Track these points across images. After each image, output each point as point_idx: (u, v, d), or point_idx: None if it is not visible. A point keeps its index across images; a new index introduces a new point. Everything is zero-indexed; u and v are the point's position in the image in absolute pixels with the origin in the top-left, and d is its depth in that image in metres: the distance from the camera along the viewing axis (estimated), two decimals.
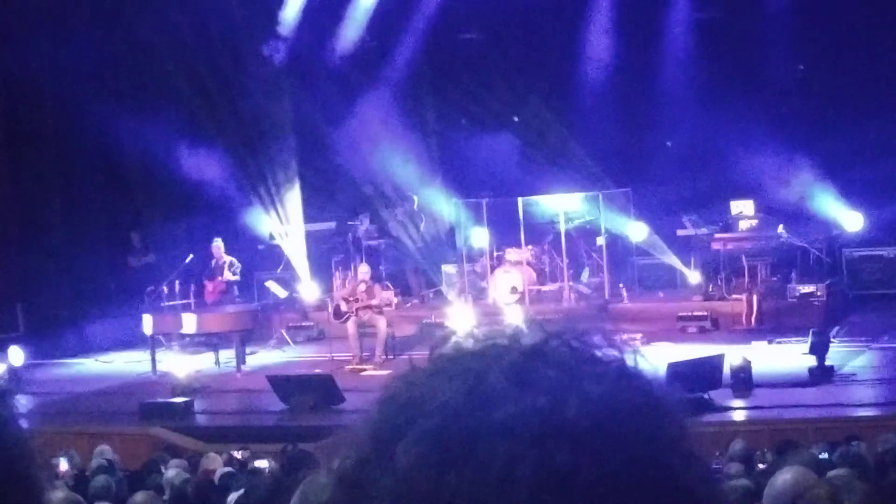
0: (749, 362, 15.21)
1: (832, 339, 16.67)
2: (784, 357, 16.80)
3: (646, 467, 1.08)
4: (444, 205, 22.67)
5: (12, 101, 21.95)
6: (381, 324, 18.51)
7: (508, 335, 1.16)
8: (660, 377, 1.16)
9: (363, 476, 1.10)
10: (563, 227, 21.21)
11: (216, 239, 20.76)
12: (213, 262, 20.66)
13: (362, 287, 18.82)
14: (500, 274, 21.20)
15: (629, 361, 1.15)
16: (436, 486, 1.05)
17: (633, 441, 1.08)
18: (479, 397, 1.08)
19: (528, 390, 1.09)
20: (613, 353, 1.15)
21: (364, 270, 19.21)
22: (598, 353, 1.15)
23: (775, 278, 20.30)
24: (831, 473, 3.86)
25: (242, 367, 18.78)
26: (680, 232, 21.25)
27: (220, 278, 20.54)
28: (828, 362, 15.64)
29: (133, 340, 20.30)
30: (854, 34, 21.30)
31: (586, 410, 1.08)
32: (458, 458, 1.05)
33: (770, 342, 17.84)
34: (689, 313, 19.59)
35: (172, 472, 10.54)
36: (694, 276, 20.78)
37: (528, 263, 21.28)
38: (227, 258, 20.63)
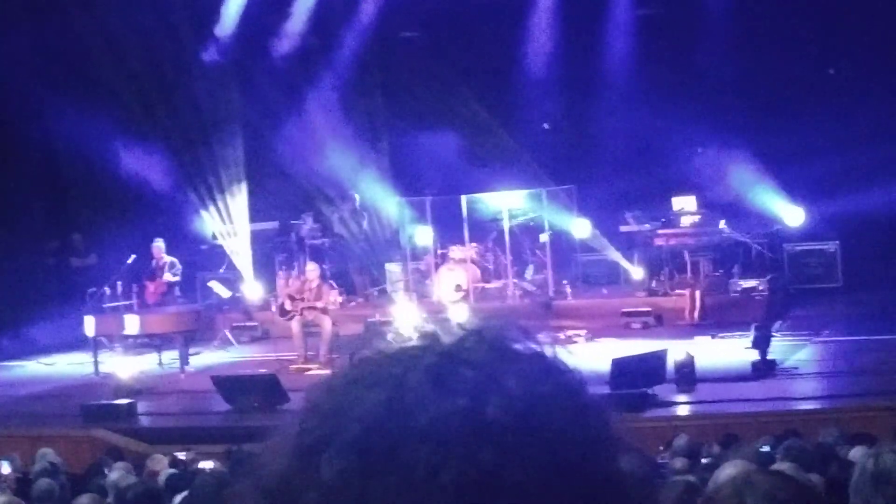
0: (692, 357, 15.29)
1: (774, 334, 16.79)
2: (727, 351, 16.91)
3: (571, 462, 1.07)
4: (387, 203, 22.65)
5: None
6: (326, 323, 18.45)
7: (425, 336, 1.14)
8: (579, 369, 1.15)
9: (288, 490, 1.09)
10: (506, 225, 21.24)
11: (157, 239, 20.62)
12: (154, 262, 20.51)
13: (309, 286, 18.74)
14: (445, 272, 21.21)
15: (548, 355, 1.14)
16: (361, 497, 1.04)
17: (557, 436, 1.07)
18: (400, 404, 1.08)
19: (447, 393, 1.08)
20: (532, 347, 1.14)
21: (312, 269, 19.13)
22: (517, 348, 1.13)
23: (718, 273, 20.45)
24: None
25: (186, 367, 18.68)
26: (623, 228, 21.35)
27: (160, 279, 20.39)
28: (770, 356, 15.75)
29: (75, 342, 20.12)
30: (794, 32, 21.49)
31: (507, 409, 1.07)
32: (381, 466, 1.05)
33: (713, 337, 17.96)
34: (633, 309, 19.68)
35: (116, 474, 10.45)
36: (637, 272, 20.87)
37: (473, 261, 21.30)
38: (168, 258, 20.50)
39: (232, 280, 21.87)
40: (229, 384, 16.13)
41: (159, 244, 20.52)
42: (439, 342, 1.13)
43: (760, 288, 19.75)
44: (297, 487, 1.08)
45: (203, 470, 10.94)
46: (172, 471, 10.86)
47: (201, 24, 22.74)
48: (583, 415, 1.10)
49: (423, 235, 21.78)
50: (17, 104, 20.94)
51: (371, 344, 1.16)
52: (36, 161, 22.63)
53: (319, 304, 18.55)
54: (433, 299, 20.84)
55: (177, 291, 20.67)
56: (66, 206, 23.09)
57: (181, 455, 12.57)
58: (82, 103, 21.13)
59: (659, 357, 14.97)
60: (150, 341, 19.21)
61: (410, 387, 1.08)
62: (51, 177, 22.85)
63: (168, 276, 20.36)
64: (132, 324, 18.77)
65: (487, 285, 21.37)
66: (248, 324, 21.23)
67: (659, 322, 19.47)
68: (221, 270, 22.07)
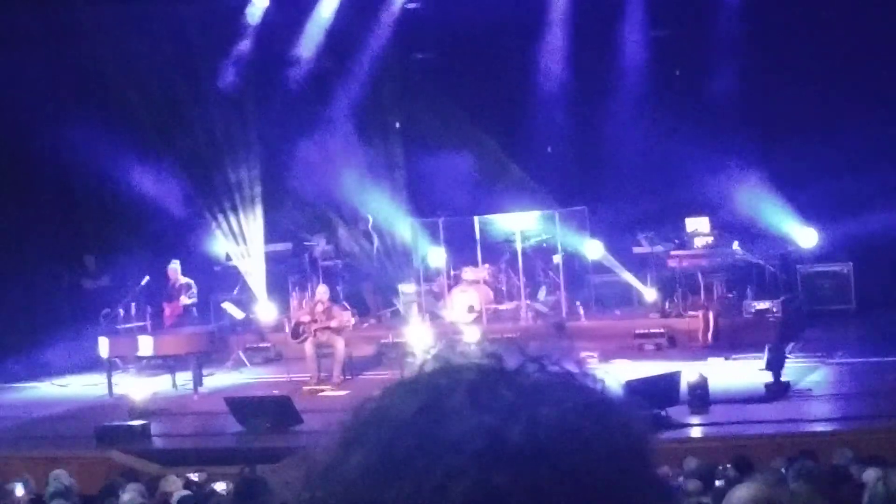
0: (706, 379, 15.26)
1: (788, 355, 16.75)
2: (740, 373, 16.87)
3: (589, 495, 1.08)
4: (400, 224, 22.68)
5: None
6: (339, 344, 18.46)
7: (486, 354, 1.17)
8: (627, 403, 1.16)
9: (324, 480, 1.13)
10: (519, 246, 21.24)
11: (173, 261, 20.62)
12: (170, 284, 20.53)
13: (320, 308, 18.77)
14: (457, 293, 21.20)
15: (597, 387, 1.16)
16: (378, 497, 1.07)
17: (576, 472, 1.08)
18: (433, 413, 1.10)
19: (480, 410, 1.09)
20: (585, 378, 1.16)
21: (322, 291, 19.16)
22: (568, 378, 1.15)
23: (731, 295, 20.42)
24: (792, 487, 3.88)
25: (199, 389, 18.66)
26: (636, 250, 21.31)
27: (177, 302, 20.39)
28: (784, 378, 15.72)
29: (89, 363, 20.14)
30: (805, 54, 21.48)
31: (532, 436, 1.08)
32: (400, 470, 1.07)
33: (726, 358, 17.91)
34: (646, 331, 19.65)
35: (129, 495, 10.46)
36: (650, 294, 20.85)
37: (485, 282, 21.29)
38: (184, 280, 20.51)
39: (245, 301, 21.87)
40: (242, 405, 16.13)
41: (175, 266, 20.53)
42: (499, 362, 1.16)
43: (774, 310, 19.69)
44: (331, 479, 1.12)
45: (216, 491, 10.96)
46: (185, 492, 10.87)
47: (217, 47, 22.82)
48: (612, 458, 1.10)
49: (436, 257, 21.79)
50: (31, 126, 20.99)
51: (436, 353, 1.19)
52: (50, 182, 22.68)
53: (333, 324, 18.57)
54: (446, 321, 20.83)
55: (194, 313, 20.69)
56: (79, 227, 23.13)
57: (194, 476, 12.58)
58: (97, 125, 21.19)
59: (672, 379, 14.94)
60: (164, 363, 19.22)
61: (448, 399, 1.11)
62: (64, 198, 22.90)
63: (184, 300, 20.37)
64: (146, 345, 18.79)
65: (500, 307, 21.36)
66: (261, 345, 21.23)
67: (672, 344, 19.43)
68: (235, 292, 22.07)
